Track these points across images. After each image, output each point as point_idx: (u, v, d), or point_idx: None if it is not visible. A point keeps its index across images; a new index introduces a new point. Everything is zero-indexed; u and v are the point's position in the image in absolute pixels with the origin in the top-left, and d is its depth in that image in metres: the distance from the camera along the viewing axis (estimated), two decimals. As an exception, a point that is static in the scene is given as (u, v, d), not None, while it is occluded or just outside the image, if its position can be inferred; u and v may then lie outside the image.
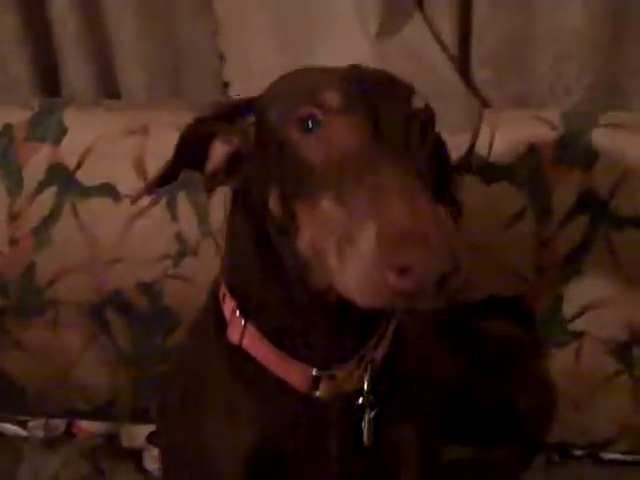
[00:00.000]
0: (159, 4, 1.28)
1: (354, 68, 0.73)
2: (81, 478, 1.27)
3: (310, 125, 0.67)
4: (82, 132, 1.22)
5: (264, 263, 0.75)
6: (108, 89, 1.39)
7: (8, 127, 1.24)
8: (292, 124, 0.68)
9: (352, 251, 0.57)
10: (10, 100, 1.34)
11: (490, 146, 1.15)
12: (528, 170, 1.13)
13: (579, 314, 1.16)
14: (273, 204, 0.70)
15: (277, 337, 0.77)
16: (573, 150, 1.12)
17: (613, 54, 1.19)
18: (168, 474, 0.94)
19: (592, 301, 1.14)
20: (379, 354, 0.80)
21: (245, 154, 0.76)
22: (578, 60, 1.20)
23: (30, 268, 1.23)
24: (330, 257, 0.60)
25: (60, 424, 1.38)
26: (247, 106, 0.76)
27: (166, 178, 0.77)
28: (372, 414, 0.79)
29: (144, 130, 1.21)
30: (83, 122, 1.23)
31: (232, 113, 0.77)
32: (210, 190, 0.81)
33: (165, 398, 0.94)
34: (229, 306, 0.80)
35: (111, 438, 1.37)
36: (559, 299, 1.16)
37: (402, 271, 0.54)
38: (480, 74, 1.24)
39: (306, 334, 0.76)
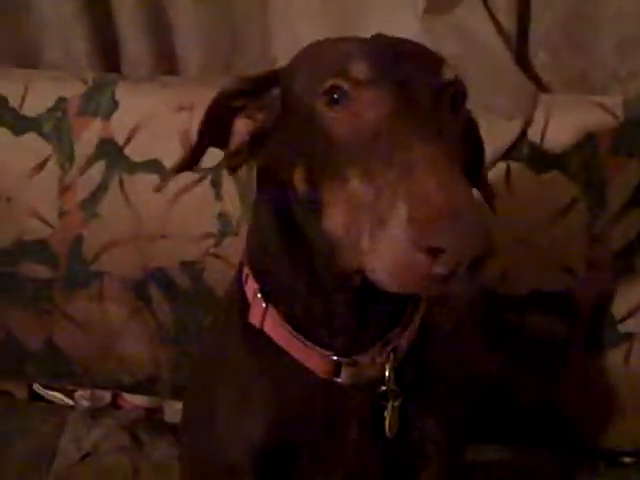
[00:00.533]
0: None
1: (381, 37, 0.71)
2: (120, 449, 1.29)
3: (337, 97, 0.64)
4: (132, 108, 1.23)
5: (288, 244, 0.73)
6: (166, 65, 1.38)
7: (62, 101, 1.25)
8: (318, 96, 0.65)
9: (383, 232, 0.55)
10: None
11: (543, 133, 1.09)
12: (582, 159, 1.07)
13: (630, 314, 1.09)
14: (299, 181, 0.68)
15: (299, 321, 0.75)
16: (633, 140, 1.06)
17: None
18: (183, 459, 0.93)
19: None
20: (404, 342, 0.77)
21: (270, 129, 0.73)
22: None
23: (78, 240, 1.25)
24: (360, 238, 0.58)
25: (106, 395, 1.41)
26: (273, 79, 0.73)
27: (193, 159, 0.76)
28: (396, 404, 0.76)
29: (191, 107, 1.20)
30: (133, 98, 1.23)
31: (257, 87, 0.74)
32: (233, 169, 0.78)
33: (189, 381, 0.94)
34: (251, 288, 0.78)
35: (154, 412, 1.39)
36: (609, 297, 1.10)
37: (434, 253, 0.52)
38: (537, 56, 1.17)
39: (329, 318, 0.74)
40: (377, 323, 0.75)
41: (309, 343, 0.75)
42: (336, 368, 0.75)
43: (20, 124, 1.26)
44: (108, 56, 1.41)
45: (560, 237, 1.09)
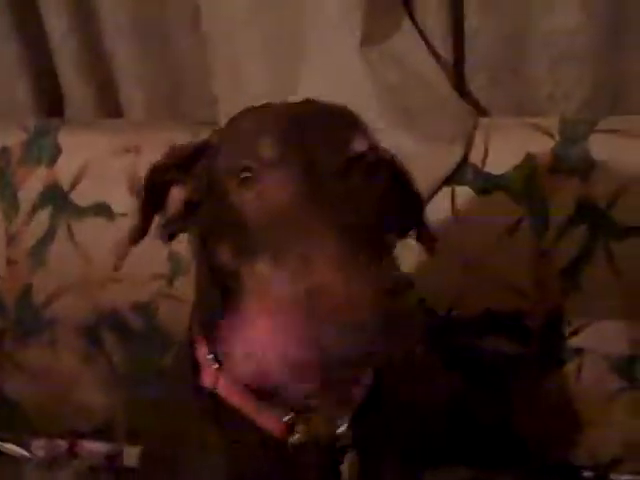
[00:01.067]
0: (152, 23, 1.29)
1: (300, 108, 0.71)
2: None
3: (246, 178, 0.65)
4: (76, 152, 1.23)
5: (228, 310, 0.71)
6: (109, 108, 1.39)
7: (4, 150, 1.25)
8: (232, 176, 0.66)
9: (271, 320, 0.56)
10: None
11: (484, 155, 1.11)
12: (524, 180, 1.09)
13: (579, 329, 1.11)
14: (222, 256, 0.68)
15: (249, 381, 0.73)
16: (570, 158, 1.08)
17: (612, 57, 1.14)
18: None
19: (592, 315, 1.10)
20: (359, 393, 0.76)
21: (199, 199, 0.74)
22: (577, 64, 1.15)
23: (27, 288, 1.24)
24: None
25: (62, 444, 1.37)
26: (201, 150, 0.75)
27: (142, 230, 0.77)
28: (352, 456, 0.75)
29: (137, 150, 1.20)
30: (77, 142, 1.24)
31: (188, 158, 0.75)
32: (168, 238, 0.79)
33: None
34: (201, 351, 0.77)
35: (114, 458, 1.36)
36: (559, 315, 1.11)
37: (307, 343, 0.52)
38: (474, 81, 1.20)
39: None
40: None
41: (262, 402, 0.73)
42: (290, 427, 0.74)
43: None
44: (51, 101, 1.42)
45: (507, 257, 1.10)
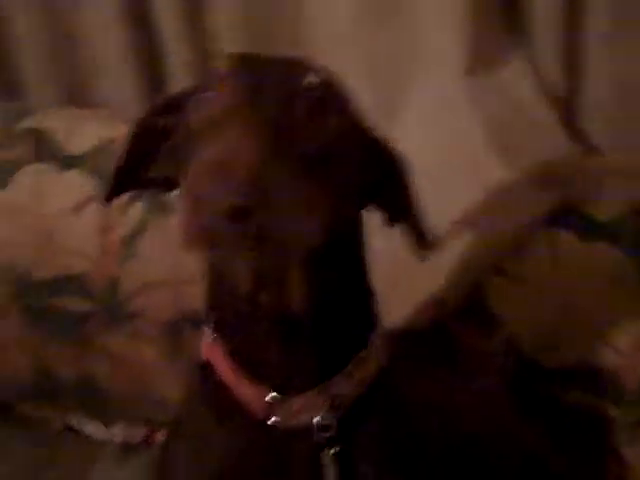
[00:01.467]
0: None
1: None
2: (147, 490, 1.29)
3: (201, 93, 0.66)
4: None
5: (213, 271, 0.73)
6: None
7: (108, 140, 1.26)
8: (193, 99, 0.67)
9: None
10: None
11: (590, 199, 1.04)
12: (634, 229, 1.02)
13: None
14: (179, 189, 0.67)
15: (239, 353, 0.73)
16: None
17: None
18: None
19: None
20: (346, 389, 0.73)
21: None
22: None
23: (115, 279, 1.25)
24: None
25: (140, 432, 1.39)
26: (180, 99, 0.73)
27: (122, 181, 0.76)
28: (333, 451, 0.72)
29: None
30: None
31: (176, 104, 0.73)
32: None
33: None
34: (206, 321, 0.77)
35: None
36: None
37: (198, 201, 0.52)
38: (590, 124, 1.12)
39: (261, 350, 0.71)
40: (310, 365, 0.71)
41: (247, 378, 0.72)
42: (271, 407, 0.71)
43: (65, 161, 1.28)
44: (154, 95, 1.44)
45: (608, 311, 1.04)
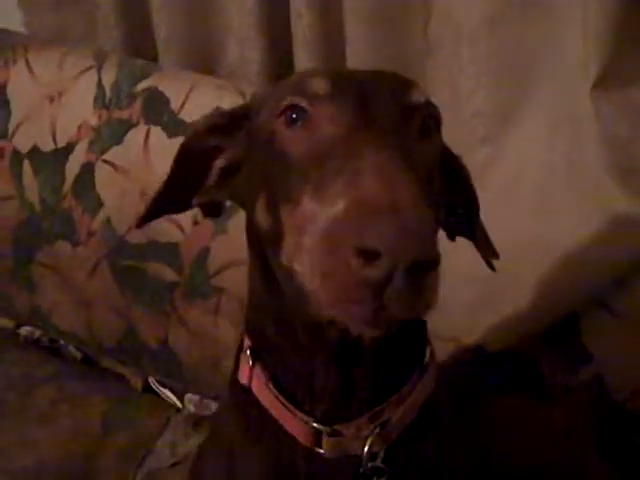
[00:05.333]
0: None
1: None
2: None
3: (295, 116, 0.61)
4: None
5: (269, 297, 0.69)
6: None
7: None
8: (278, 117, 0.62)
9: (316, 230, 0.52)
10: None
11: None
12: None
13: None
14: (260, 213, 0.64)
15: (283, 382, 0.70)
16: None
17: None
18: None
19: None
20: (396, 419, 0.69)
21: (237, 164, 0.71)
22: None
23: (204, 252, 1.25)
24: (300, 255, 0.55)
25: (213, 405, 1.38)
26: (243, 115, 0.71)
27: (166, 198, 0.74)
28: None
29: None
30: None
31: (230, 122, 0.72)
32: (209, 213, 0.78)
33: None
34: (245, 345, 0.75)
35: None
36: None
37: (368, 256, 0.47)
38: None
39: (310, 380, 0.68)
40: (364, 391, 0.68)
41: (290, 406, 0.69)
42: (317, 437, 0.68)
43: (175, 127, 1.28)
44: (281, 71, 1.41)
45: None
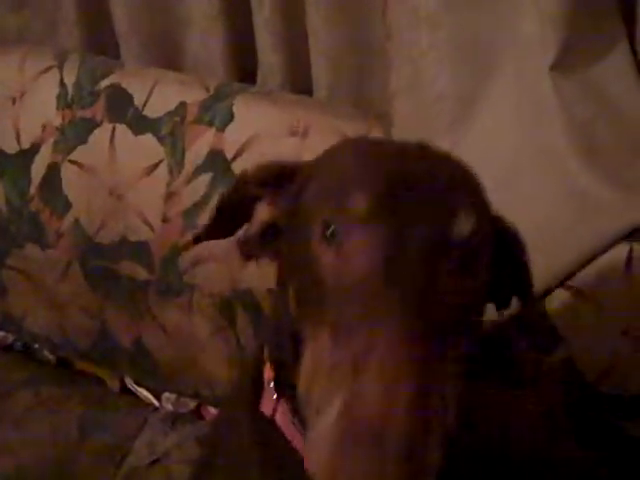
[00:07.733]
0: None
1: (405, 159, 0.62)
2: (190, 461, 1.27)
3: (330, 235, 0.58)
4: (246, 123, 1.20)
5: (296, 346, 0.66)
6: (299, 81, 1.34)
7: (182, 106, 1.24)
8: (316, 225, 0.59)
9: (317, 420, 0.51)
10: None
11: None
12: None
13: None
14: (292, 301, 0.63)
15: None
16: None
17: None
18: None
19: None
20: None
21: (280, 227, 0.70)
22: None
23: (175, 249, 1.24)
24: (311, 408, 0.54)
25: (190, 403, 1.39)
26: (292, 174, 0.69)
27: (209, 235, 0.77)
28: None
29: (304, 133, 1.15)
30: (250, 113, 1.21)
31: (279, 178, 0.70)
32: (247, 258, 0.77)
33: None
34: (268, 376, 0.74)
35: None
36: None
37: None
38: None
39: None
40: None
41: None
42: None
43: (140, 123, 1.27)
44: (244, 61, 1.41)
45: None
